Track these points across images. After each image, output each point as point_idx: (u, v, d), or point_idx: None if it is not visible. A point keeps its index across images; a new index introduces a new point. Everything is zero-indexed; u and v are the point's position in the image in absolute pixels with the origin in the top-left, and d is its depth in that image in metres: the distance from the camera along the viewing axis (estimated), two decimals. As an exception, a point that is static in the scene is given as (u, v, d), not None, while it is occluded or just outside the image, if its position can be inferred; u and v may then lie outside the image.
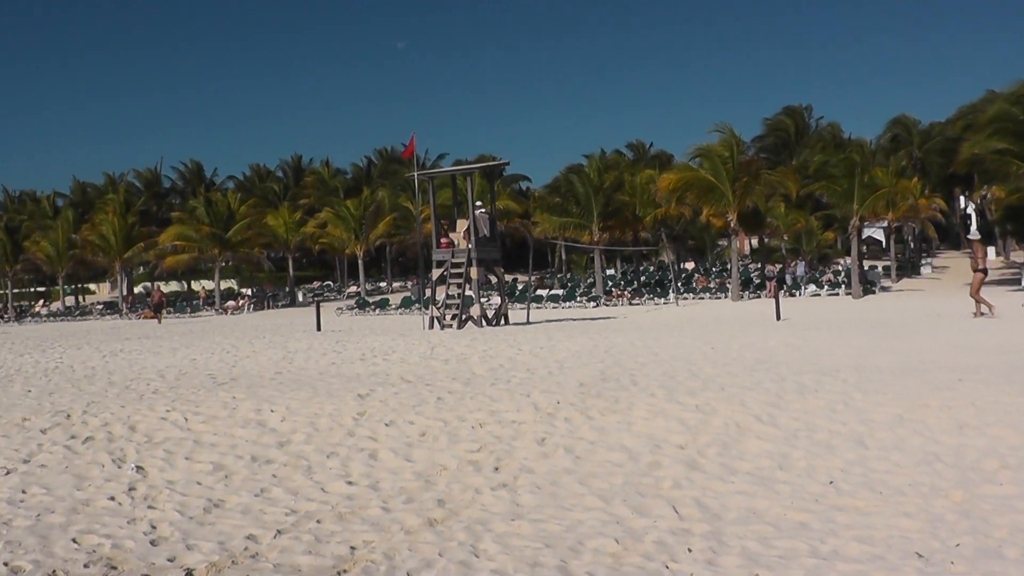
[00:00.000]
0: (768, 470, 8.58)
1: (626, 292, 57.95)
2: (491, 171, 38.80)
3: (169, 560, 6.73)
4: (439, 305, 30.38)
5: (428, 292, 33.52)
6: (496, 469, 8.89)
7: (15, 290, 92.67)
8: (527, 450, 9.49)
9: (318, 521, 7.49)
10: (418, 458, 9.41)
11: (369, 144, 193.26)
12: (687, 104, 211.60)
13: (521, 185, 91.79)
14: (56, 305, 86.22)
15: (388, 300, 60.87)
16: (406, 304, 56.64)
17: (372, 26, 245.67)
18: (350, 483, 8.67)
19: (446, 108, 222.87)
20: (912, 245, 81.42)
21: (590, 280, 65.74)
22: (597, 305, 53.23)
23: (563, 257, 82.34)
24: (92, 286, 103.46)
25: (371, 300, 62.28)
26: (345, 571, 6.31)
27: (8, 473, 10.05)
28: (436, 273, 30.61)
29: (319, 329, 31.79)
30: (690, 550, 6.51)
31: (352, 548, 6.74)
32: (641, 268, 74.70)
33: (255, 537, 7.13)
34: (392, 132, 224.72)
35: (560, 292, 59.41)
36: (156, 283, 78.50)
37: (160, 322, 50.20)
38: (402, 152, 37.73)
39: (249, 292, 77.71)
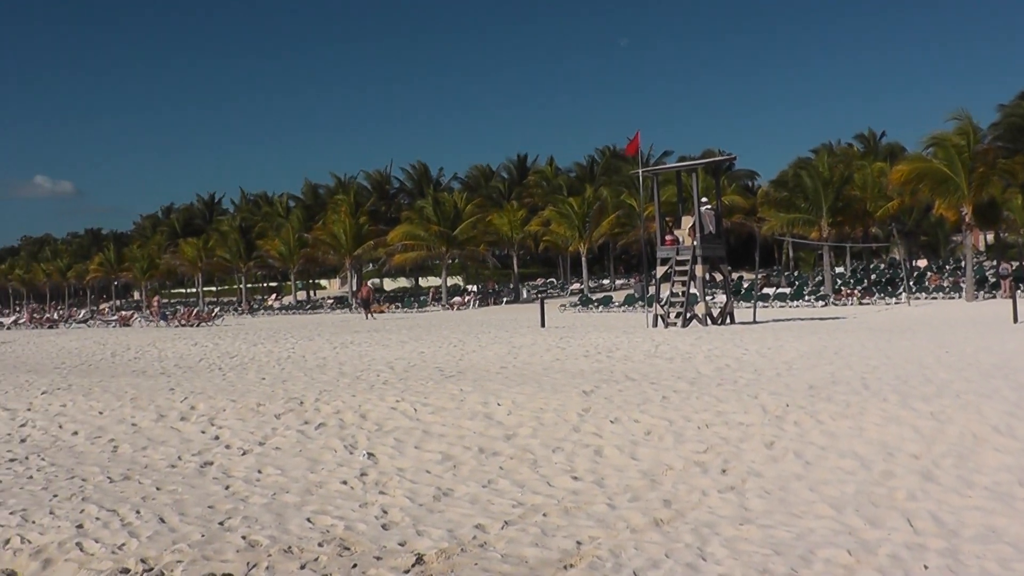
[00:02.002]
0: (1007, 485, 8.04)
1: (855, 291, 55.89)
2: (717, 166, 38.28)
3: (400, 544, 6.90)
4: (663, 303, 30.13)
5: (652, 290, 33.32)
6: (723, 471, 8.70)
7: (249, 285, 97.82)
8: (755, 453, 9.26)
9: (544, 514, 7.52)
10: (643, 456, 9.33)
11: (592, 142, 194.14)
12: (919, 92, 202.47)
13: (747, 181, 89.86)
14: (288, 299, 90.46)
15: (611, 297, 60.70)
16: (629, 302, 56.38)
17: (594, 24, 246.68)
18: (575, 478, 8.67)
19: (670, 104, 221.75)
20: None
21: (818, 278, 63.74)
22: (825, 304, 51.53)
23: (790, 254, 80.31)
24: (323, 282, 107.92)
25: (594, 297, 62.28)
26: (571, 565, 6.30)
27: (244, 454, 10.60)
28: (660, 270, 30.38)
29: (543, 325, 32.06)
30: (926, 567, 6.19)
31: (578, 543, 6.73)
32: (871, 266, 72.01)
33: (483, 527, 7.23)
34: (615, 129, 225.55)
35: (787, 291, 57.82)
36: (366, 279, 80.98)
37: (367, 317, 51.25)
38: (626, 149, 37.52)
39: (474, 288, 79.33)
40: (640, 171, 34.17)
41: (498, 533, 7.06)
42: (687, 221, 30.14)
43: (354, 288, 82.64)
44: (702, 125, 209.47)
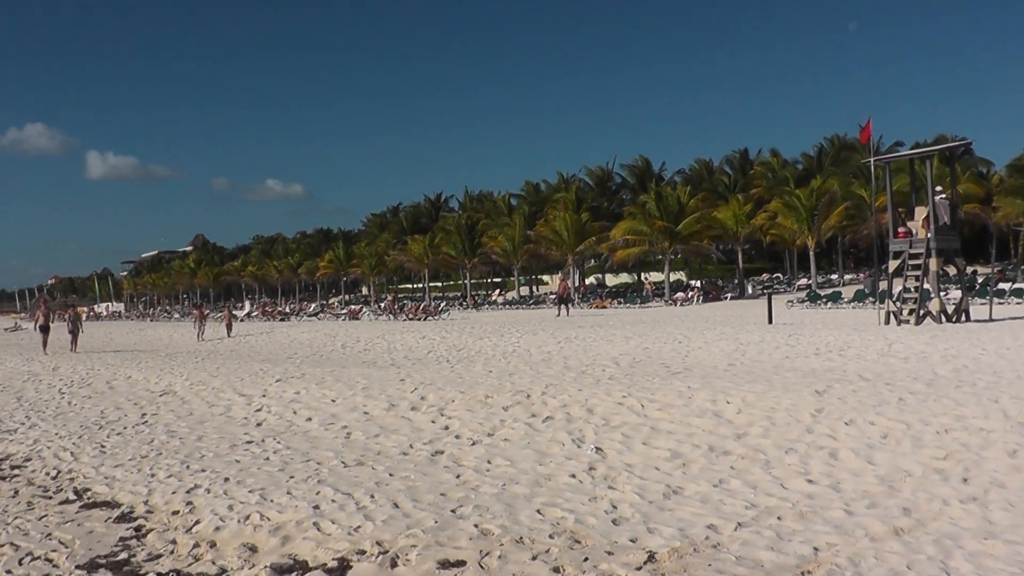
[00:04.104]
0: None
1: (1098, 287, 52.12)
2: (951, 153, 36.44)
3: (631, 540, 6.89)
4: (895, 299, 29.02)
5: (883, 285, 32.14)
6: (964, 480, 8.26)
7: (472, 280, 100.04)
8: (997, 461, 8.74)
9: (779, 517, 7.35)
10: (880, 461, 8.98)
11: (819, 131, 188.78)
12: None
13: (982, 168, 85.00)
14: (511, 294, 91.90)
15: (840, 293, 58.67)
16: (859, 298, 54.45)
17: (822, 8, 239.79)
18: (810, 481, 8.44)
19: (901, 89, 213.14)
20: None
21: (1054, 273, 59.97)
22: (1066, 302, 48.44)
23: (1026, 246, 75.86)
24: (545, 277, 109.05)
25: (822, 293, 60.53)
26: (809, 572, 6.12)
27: (474, 444, 10.87)
28: (892, 265, 29.24)
29: (770, 322, 31.47)
30: None
31: (815, 549, 6.53)
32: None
33: (715, 527, 7.13)
34: (843, 118, 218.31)
35: (1023, 286, 54.66)
36: (562, 275, 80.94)
37: (559, 315, 50.64)
38: (859, 138, 36.22)
39: (698, 284, 78.38)
40: (871, 159, 32.85)
41: (731, 534, 6.94)
42: (920, 212, 28.86)
43: (576, 283, 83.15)
44: (934, 110, 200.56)
